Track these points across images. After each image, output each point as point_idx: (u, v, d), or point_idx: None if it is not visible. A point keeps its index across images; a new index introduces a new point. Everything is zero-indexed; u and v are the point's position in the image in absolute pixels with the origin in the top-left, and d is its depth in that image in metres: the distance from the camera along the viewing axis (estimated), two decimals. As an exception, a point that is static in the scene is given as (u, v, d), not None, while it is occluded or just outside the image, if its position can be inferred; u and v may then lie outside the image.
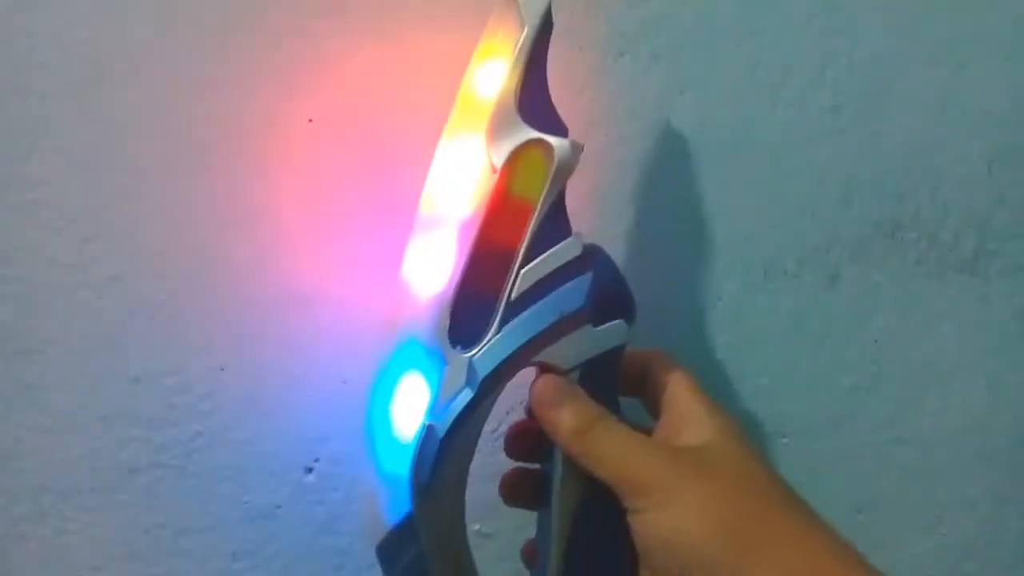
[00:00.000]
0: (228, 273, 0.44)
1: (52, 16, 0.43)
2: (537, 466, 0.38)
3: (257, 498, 0.45)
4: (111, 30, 0.43)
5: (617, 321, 0.34)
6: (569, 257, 0.34)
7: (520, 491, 0.38)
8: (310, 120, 0.44)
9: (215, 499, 0.45)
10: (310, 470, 0.45)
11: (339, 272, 0.44)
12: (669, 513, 0.30)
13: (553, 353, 0.34)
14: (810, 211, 0.46)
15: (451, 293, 0.34)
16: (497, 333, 0.33)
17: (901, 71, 0.46)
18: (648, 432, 0.35)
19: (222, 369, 0.44)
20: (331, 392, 0.44)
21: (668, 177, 0.45)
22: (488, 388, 0.33)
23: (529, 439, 0.37)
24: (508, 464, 0.39)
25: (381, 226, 0.44)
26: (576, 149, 0.34)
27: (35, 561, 0.45)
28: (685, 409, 0.35)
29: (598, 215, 0.45)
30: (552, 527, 0.35)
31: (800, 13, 0.45)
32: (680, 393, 0.35)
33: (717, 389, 0.47)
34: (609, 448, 0.32)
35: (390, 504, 0.34)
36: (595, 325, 0.34)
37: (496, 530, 0.45)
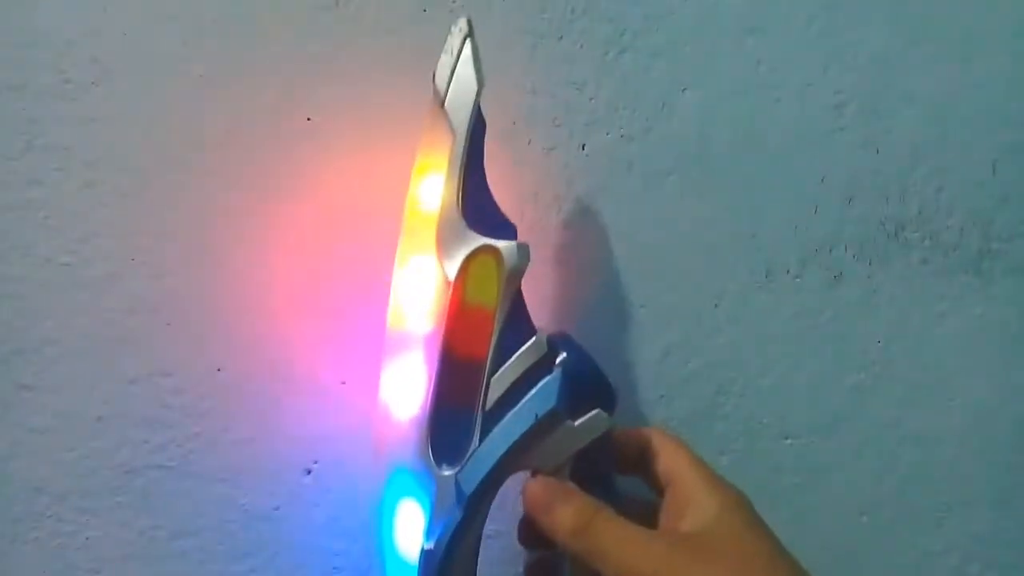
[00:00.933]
0: (225, 273, 0.44)
1: (49, 14, 0.43)
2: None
3: (255, 500, 0.45)
4: (108, 29, 0.43)
5: (595, 411, 0.34)
6: (536, 357, 0.34)
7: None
8: (308, 119, 0.44)
9: (212, 501, 0.45)
10: (308, 472, 0.45)
11: (339, 272, 0.44)
12: None
13: (538, 456, 0.34)
14: (813, 210, 0.46)
15: (427, 413, 0.34)
16: (479, 445, 0.34)
17: (904, 69, 0.46)
18: (652, 508, 0.35)
19: (219, 370, 0.44)
20: (330, 393, 0.44)
21: (669, 176, 0.45)
22: (476, 503, 0.34)
23: (535, 530, 0.37)
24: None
25: (381, 226, 0.44)
26: (523, 251, 0.34)
27: (31, 563, 0.45)
28: (687, 487, 0.34)
29: (599, 214, 0.45)
30: None
31: (802, 11, 0.45)
32: (681, 471, 0.35)
33: (719, 389, 0.46)
34: (608, 544, 0.32)
35: None
36: (573, 420, 0.34)
37: (496, 532, 0.45)
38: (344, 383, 0.44)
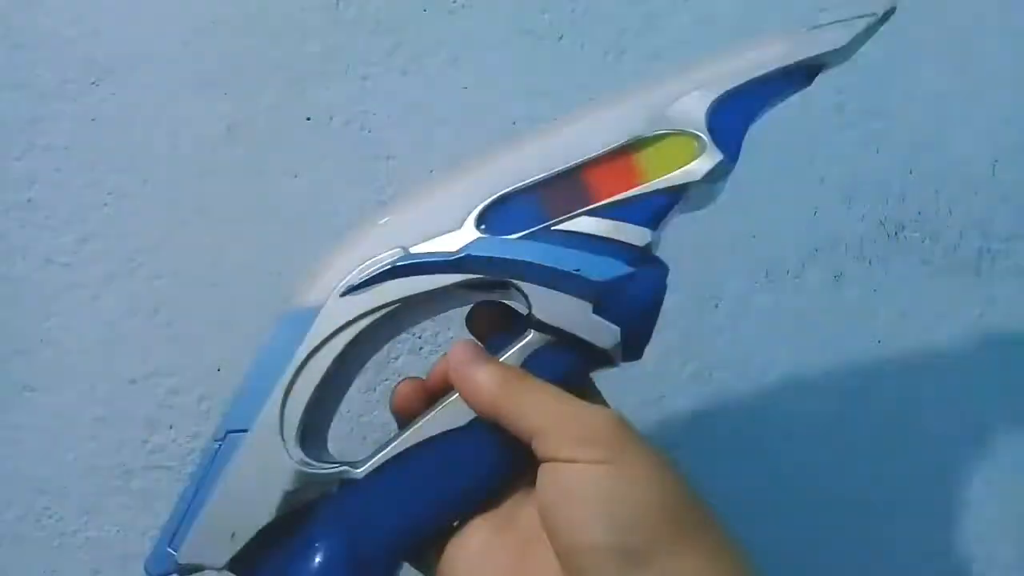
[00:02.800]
0: (225, 273, 0.44)
1: (49, 15, 0.43)
2: None
3: (255, 500, 0.45)
4: (108, 29, 0.43)
5: (614, 327, 0.31)
6: (630, 240, 0.31)
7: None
8: (308, 119, 0.44)
9: (212, 501, 0.45)
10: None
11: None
12: (612, 471, 0.27)
13: (538, 295, 0.31)
14: (813, 211, 0.46)
15: (520, 181, 0.32)
16: (516, 238, 0.31)
17: (904, 70, 0.46)
18: None
19: (219, 370, 0.44)
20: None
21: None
22: (464, 266, 0.31)
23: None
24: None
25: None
26: (722, 168, 0.32)
27: (31, 563, 0.44)
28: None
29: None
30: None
31: (801, 11, 0.45)
32: (595, 399, 0.33)
33: (720, 389, 0.46)
34: (542, 396, 0.29)
35: (325, 287, 0.32)
36: (593, 310, 0.31)
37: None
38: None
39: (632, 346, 0.32)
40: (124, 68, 0.43)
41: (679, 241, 0.46)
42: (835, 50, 0.32)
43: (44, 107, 0.43)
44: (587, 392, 0.33)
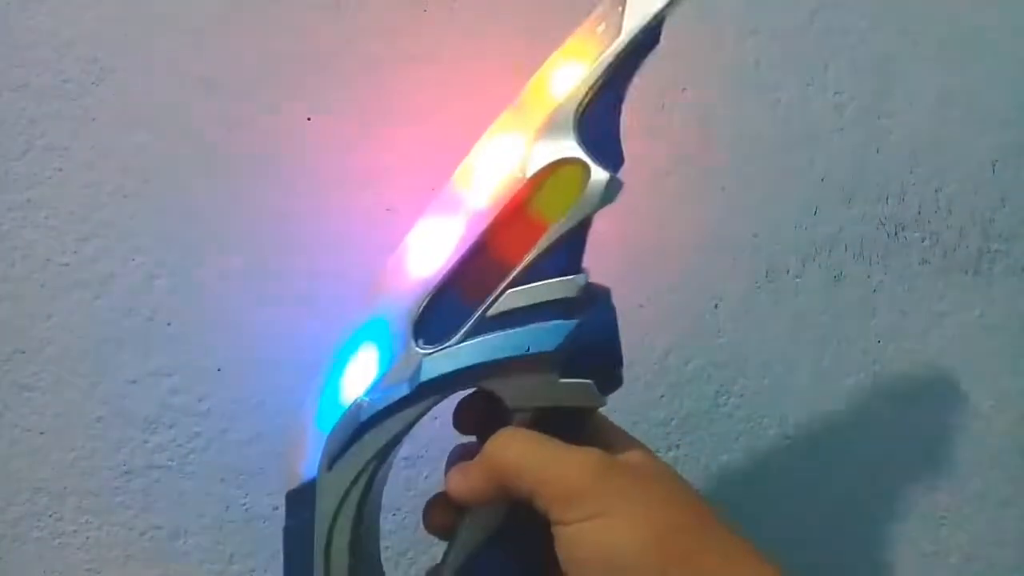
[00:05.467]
0: (225, 273, 0.44)
1: (49, 14, 0.43)
2: None
3: (255, 500, 0.45)
4: (108, 29, 0.43)
5: (588, 382, 0.31)
6: (564, 295, 0.30)
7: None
8: (308, 119, 0.44)
9: (212, 501, 0.45)
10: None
11: (337, 272, 0.44)
12: (603, 525, 0.28)
13: (505, 386, 0.31)
14: (813, 210, 0.46)
15: (434, 284, 0.31)
16: (459, 343, 0.31)
17: (904, 70, 0.46)
18: None
19: (219, 370, 0.44)
20: (330, 393, 0.44)
21: (669, 176, 0.45)
22: (423, 394, 0.31)
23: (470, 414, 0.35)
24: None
25: (380, 225, 0.44)
26: (614, 186, 0.30)
27: (31, 563, 0.44)
28: (608, 436, 0.33)
29: (600, 214, 0.45)
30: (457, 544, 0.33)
31: (802, 11, 0.45)
32: (598, 423, 0.34)
33: (720, 389, 0.46)
34: (531, 455, 0.30)
35: (309, 459, 0.33)
36: (561, 376, 0.31)
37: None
38: (344, 383, 0.44)
39: (609, 384, 0.32)
40: (124, 68, 0.43)
41: (680, 241, 0.46)
42: (669, 2, 0.30)
43: (44, 107, 0.43)
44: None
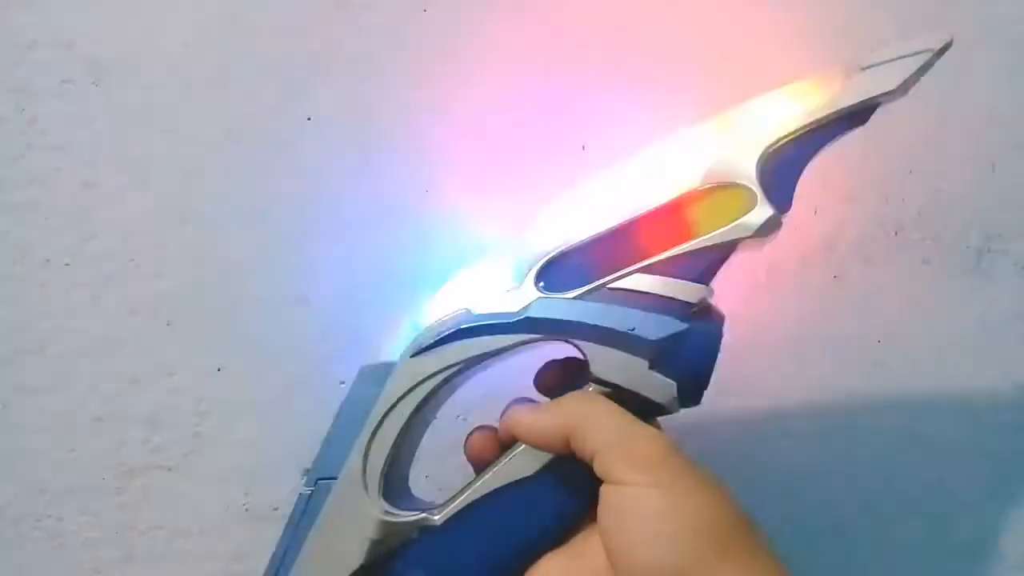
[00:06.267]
0: (225, 273, 0.44)
1: (49, 14, 0.43)
2: None
3: (255, 500, 0.45)
4: (108, 29, 0.43)
5: (671, 382, 0.32)
6: (682, 297, 0.32)
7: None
8: (308, 119, 0.44)
9: (212, 501, 0.45)
10: (308, 471, 0.45)
11: (337, 272, 0.44)
12: (663, 494, 0.29)
13: (597, 353, 0.32)
14: (813, 211, 0.46)
15: (574, 240, 0.33)
16: (573, 298, 0.33)
17: (904, 69, 0.45)
18: None
19: (219, 370, 0.44)
20: (329, 393, 0.44)
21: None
22: (525, 327, 0.33)
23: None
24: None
25: (380, 225, 0.44)
26: (773, 223, 0.32)
27: (31, 563, 0.45)
28: None
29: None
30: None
31: (802, 11, 0.45)
32: None
33: (720, 389, 0.46)
34: (609, 415, 0.31)
35: (395, 345, 0.35)
36: (650, 367, 0.32)
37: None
38: (343, 383, 0.44)
39: (689, 397, 0.33)
40: (124, 68, 0.43)
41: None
42: (889, 92, 0.31)
43: (44, 107, 0.43)
44: None
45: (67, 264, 0.43)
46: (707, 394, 0.46)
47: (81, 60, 0.43)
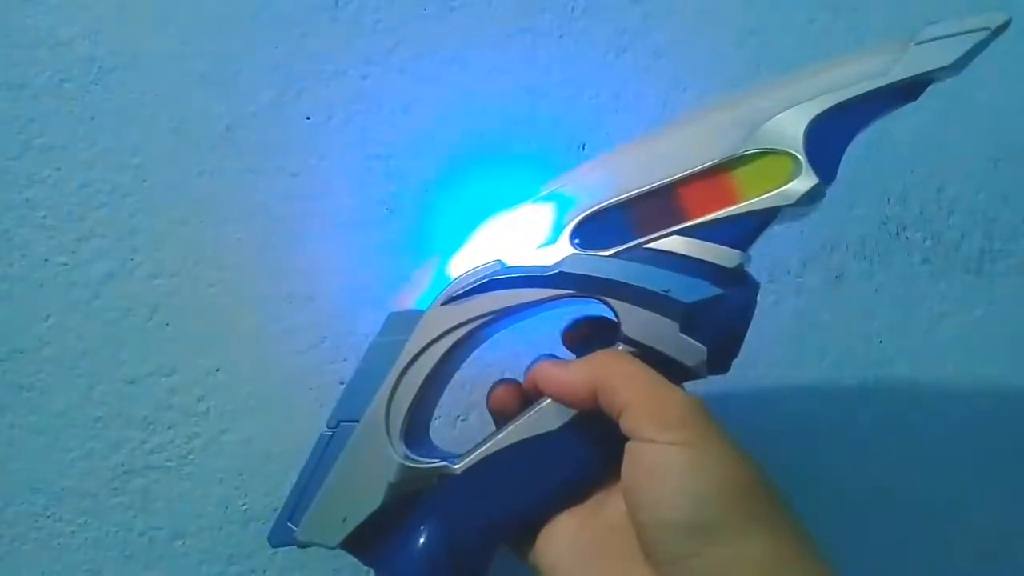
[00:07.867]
0: (224, 273, 0.44)
1: (48, 14, 0.42)
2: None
3: (254, 501, 0.45)
4: (108, 29, 0.43)
5: (701, 346, 0.32)
6: (719, 261, 0.32)
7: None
8: (308, 119, 0.44)
9: (211, 502, 0.44)
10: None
11: (337, 272, 0.44)
12: (690, 453, 0.29)
13: (628, 313, 0.32)
14: (813, 210, 0.46)
15: (614, 198, 0.32)
16: (609, 256, 0.32)
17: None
18: None
19: (218, 370, 0.44)
20: (328, 393, 0.44)
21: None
22: (558, 282, 0.33)
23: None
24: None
25: (380, 225, 0.44)
26: (817, 192, 0.31)
27: (30, 563, 0.44)
28: None
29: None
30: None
31: (802, 11, 0.45)
32: None
33: (721, 389, 0.46)
34: (639, 375, 0.30)
35: (425, 294, 0.35)
36: (680, 329, 0.32)
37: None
38: (342, 383, 0.44)
39: (718, 362, 0.33)
40: (123, 67, 0.43)
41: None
42: (943, 67, 0.31)
43: (43, 106, 0.43)
44: None
45: (66, 264, 0.43)
46: (707, 395, 0.46)
47: (80, 60, 0.43)
